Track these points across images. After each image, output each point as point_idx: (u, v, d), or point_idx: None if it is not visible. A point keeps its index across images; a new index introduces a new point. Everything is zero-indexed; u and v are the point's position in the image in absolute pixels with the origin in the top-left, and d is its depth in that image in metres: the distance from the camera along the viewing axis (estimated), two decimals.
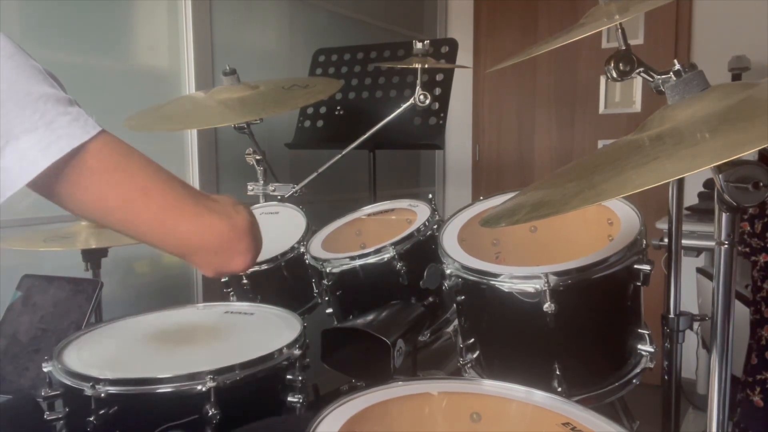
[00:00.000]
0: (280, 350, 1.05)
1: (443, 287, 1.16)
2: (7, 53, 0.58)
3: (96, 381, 0.93)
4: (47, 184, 0.60)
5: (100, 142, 0.61)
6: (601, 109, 3.02)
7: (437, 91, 1.89)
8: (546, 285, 0.98)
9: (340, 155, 1.78)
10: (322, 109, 2.06)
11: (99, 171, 0.61)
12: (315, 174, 1.78)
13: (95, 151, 0.60)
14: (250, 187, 1.82)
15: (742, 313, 1.50)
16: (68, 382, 0.96)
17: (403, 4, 3.15)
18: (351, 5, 2.74)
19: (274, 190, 1.78)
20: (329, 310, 1.46)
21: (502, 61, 1.02)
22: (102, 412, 0.93)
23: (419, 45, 1.64)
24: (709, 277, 1.95)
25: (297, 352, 1.07)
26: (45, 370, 1.01)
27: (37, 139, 0.56)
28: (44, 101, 0.58)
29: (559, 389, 1.03)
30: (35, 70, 0.59)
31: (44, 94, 0.58)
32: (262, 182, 1.80)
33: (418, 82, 1.66)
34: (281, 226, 1.61)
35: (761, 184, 0.67)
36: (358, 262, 1.35)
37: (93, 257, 1.49)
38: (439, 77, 1.91)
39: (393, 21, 3.03)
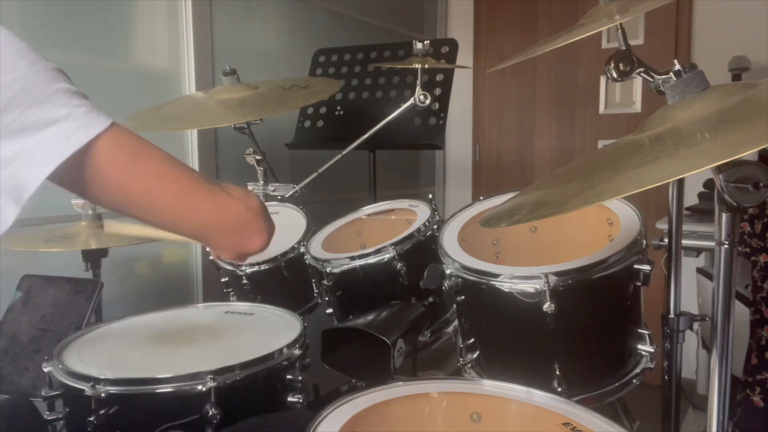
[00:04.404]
0: (280, 350, 1.05)
1: (443, 287, 1.16)
2: (21, 52, 0.60)
3: (96, 381, 0.93)
4: (69, 174, 0.62)
5: (116, 132, 0.63)
6: (601, 109, 3.02)
7: (437, 91, 1.89)
8: (546, 285, 0.98)
9: (340, 155, 1.78)
10: (322, 109, 2.06)
11: (118, 159, 0.64)
12: (315, 174, 1.78)
13: (113, 140, 0.63)
14: (250, 187, 1.82)
15: (742, 313, 1.50)
16: (68, 382, 0.96)
17: (403, 4, 3.15)
18: (351, 5, 2.74)
19: (274, 190, 1.78)
20: (329, 310, 1.46)
21: (502, 61, 1.02)
22: (102, 412, 0.93)
23: (419, 45, 1.64)
24: (709, 277, 1.95)
25: (297, 352, 1.08)
26: (45, 370, 1.01)
27: (57, 131, 0.59)
28: (61, 95, 0.60)
29: (559, 389, 1.03)
30: (48, 67, 0.62)
31: (60, 89, 0.61)
32: (262, 182, 1.80)
33: (418, 82, 1.66)
34: (281, 226, 1.59)
35: (761, 184, 0.67)
36: (358, 262, 1.35)
37: (93, 257, 1.49)
38: (439, 77, 1.91)
39: (393, 21, 3.03)
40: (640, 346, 1.09)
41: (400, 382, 0.90)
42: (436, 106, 1.87)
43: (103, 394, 0.92)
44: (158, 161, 0.68)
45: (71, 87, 0.63)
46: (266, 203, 1.75)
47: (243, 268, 1.45)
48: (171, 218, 0.70)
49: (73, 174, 0.62)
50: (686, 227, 1.90)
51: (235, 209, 0.72)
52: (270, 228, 0.77)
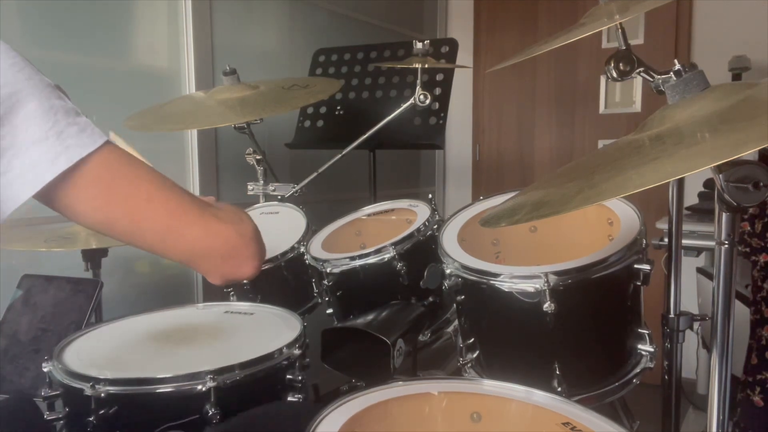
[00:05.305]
0: (280, 350, 1.05)
1: (443, 287, 1.16)
2: (18, 67, 0.59)
3: (96, 381, 0.93)
4: (54, 193, 0.61)
5: (105, 152, 0.62)
6: (601, 109, 3.02)
7: (437, 91, 1.89)
8: (546, 285, 0.98)
9: (340, 155, 1.78)
10: (322, 109, 2.06)
11: (105, 180, 0.62)
12: (315, 174, 1.78)
13: (101, 161, 0.62)
14: (250, 187, 1.82)
15: (742, 313, 1.50)
16: (68, 382, 0.96)
17: (403, 4, 3.15)
18: (351, 5, 2.74)
19: (274, 190, 1.78)
20: (329, 310, 1.46)
21: (502, 61, 1.02)
22: (102, 412, 0.93)
23: (419, 45, 1.64)
24: (709, 277, 1.95)
25: (297, 351, 1.07)
26: (45, 370, 1.01)
27: (45, 149, 0.58)
28: (54, 112, 0.59)
29: (559, 389, 1.03)
30: (44, 83, 0.61)
31: (53, 106, 0.60)
32: (262, 182, 1.80)
33: (418, 82, 1.66)
34: (281, 226, 1.61)
35: (761, 184, 0.67)
36: (358, 262, 1.35)
37: (93, 257, 1.49)
38: (439, 77, 1.91)
39: (393, 21, 3.03)
40: (640, 346, 1.09)
41: (400, 382, 0.90)
42: (436, 105, 1.87)
43: (102, 394, 0.92)
44: (146, 183, 0.66)
45: (66, 104, 0.61)
46: (266, 203, 1.76)
47: None
48: (156, 242, 0.67)
49: (58, 193, 0.61)
50: (686, 227, 1.90)
51: (225, 235, 0.69)
52: (261, 254, 0.74)
